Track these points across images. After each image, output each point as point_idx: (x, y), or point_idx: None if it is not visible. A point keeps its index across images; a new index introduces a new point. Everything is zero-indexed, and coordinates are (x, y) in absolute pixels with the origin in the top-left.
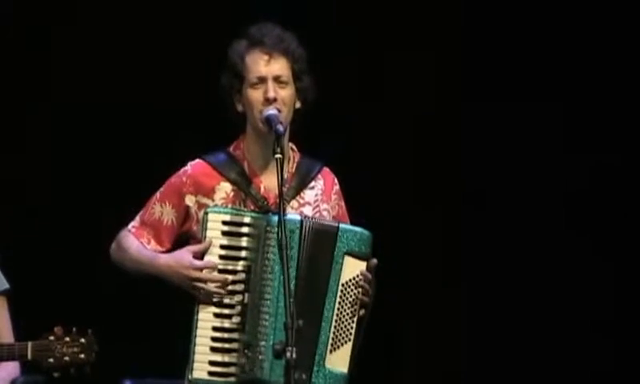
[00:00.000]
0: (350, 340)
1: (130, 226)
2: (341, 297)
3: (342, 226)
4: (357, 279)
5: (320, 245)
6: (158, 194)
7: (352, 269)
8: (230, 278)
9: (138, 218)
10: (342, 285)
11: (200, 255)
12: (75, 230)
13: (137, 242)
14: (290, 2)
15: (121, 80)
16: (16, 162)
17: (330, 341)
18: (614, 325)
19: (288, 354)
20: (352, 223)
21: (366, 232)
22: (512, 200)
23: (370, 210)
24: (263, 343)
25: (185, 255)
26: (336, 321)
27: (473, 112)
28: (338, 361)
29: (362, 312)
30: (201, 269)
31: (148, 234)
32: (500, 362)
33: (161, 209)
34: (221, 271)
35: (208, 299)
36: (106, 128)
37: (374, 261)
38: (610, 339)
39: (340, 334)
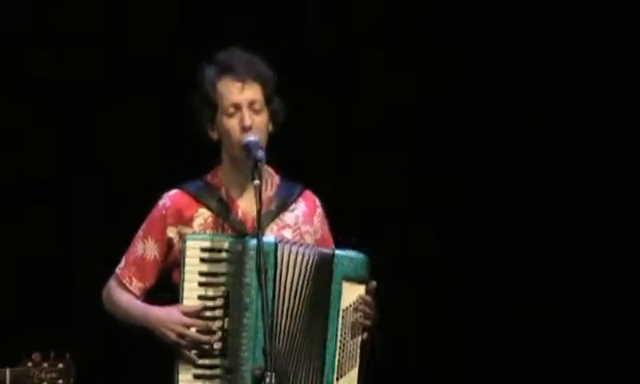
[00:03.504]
0: (355, 365)
1: (117, 269)
2: (342, 323)
3: (337, 252)
4: (356, 304)
5: (317, 272)
6: (140, 232)
7: (350, 294)
8: (211, 325)
9: (123, 258)
10: (343, 311)
11: (191, 314)
12: (52, 255)
13: (126, 295)
14: None
15: None
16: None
17: (336, 368)
18: None
19: (267, 380)
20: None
21: (361, 255)
22: None
23: None
24: (244, 367)
25: (174, 312)
26: (340, 348)
27: None
28: None
29: (364, 335)
30: (188, 326)
31: (130, 273)
32: None
33: (143, 245)
34: (200, 298)
35: (189, 350)
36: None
37: (374, 283)
38: None
39: (345, 361)
